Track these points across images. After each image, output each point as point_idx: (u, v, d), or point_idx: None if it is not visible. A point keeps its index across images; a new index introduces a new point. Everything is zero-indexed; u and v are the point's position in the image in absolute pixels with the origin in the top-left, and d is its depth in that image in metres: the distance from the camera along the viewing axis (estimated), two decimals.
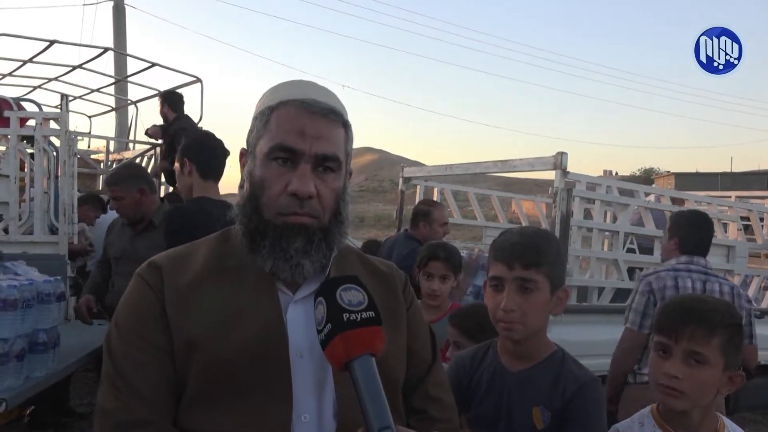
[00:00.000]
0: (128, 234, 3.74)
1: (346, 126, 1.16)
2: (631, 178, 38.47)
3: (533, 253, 1.48)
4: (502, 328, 1.51)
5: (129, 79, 8.76)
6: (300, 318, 1.10)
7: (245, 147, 1.19)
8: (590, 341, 3.74)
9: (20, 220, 4.82)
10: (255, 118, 1.16)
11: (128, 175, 3.74)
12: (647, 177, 44.43)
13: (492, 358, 1.59)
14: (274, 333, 1.08)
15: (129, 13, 13.56)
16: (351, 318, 0.94)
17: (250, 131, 1.17)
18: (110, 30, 12.82)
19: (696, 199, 5.27)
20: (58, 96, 7.02)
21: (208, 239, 1.23)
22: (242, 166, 1.19)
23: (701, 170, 39.29)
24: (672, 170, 40.90)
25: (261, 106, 1.16)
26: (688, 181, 31.34)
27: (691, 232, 3.09)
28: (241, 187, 1.17)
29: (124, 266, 3.64)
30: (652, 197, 5.69)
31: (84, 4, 14.83)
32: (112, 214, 4.53)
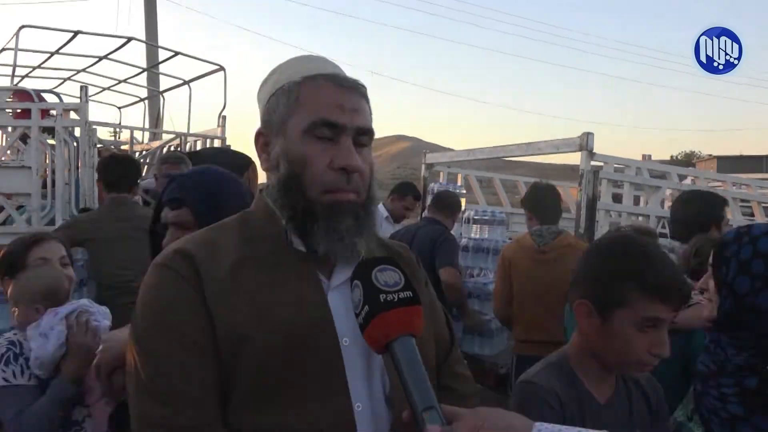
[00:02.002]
0: None
1: (367, 100, 1.15)
2: (671, 163, 37.42)
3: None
4: (640, 369, 1.37)
5: (153, 68, 8.82)
6: (339, 304, 1.07)
7: (261, 128, 1.14)
8: None
9: (42, 210, 4.86)
10: (275, 95, 1.11)
11: (183, 157, 3.81)
12: (687, 161, 43.19)
13: (578, 386, 1.39)
14: (322, 320, 1.05)
15: (161, 4, 13.71)
16: (388, 299, 0.93)
17: (271, 110, 1.12)
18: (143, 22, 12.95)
19: (734, 181, 5.01)
20: (86, 88, 7.10)
21: (226, 224, 1.16)
22: (262, 147, 1.14)
23: (745, 153, 37.96)
24: (714, 153, 39.63)
25: (278, 84, 1.12)
26: (731, 164, 30.21)
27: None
28: (273, 168, 1.11)
29: None
30: (689, 180, 5.44)
31: None
32: None
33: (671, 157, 51.72)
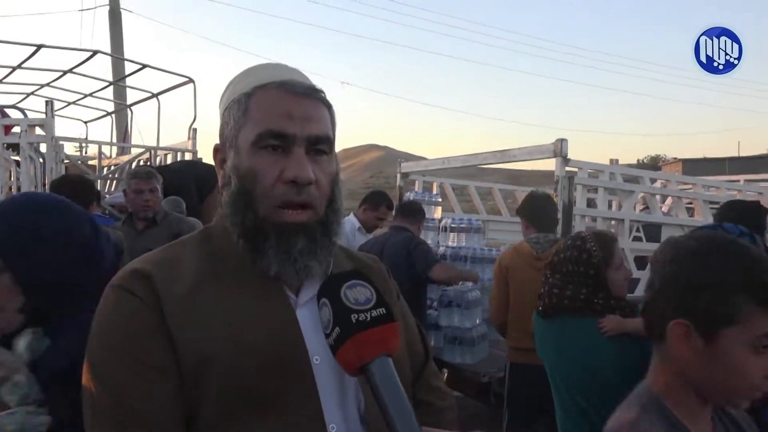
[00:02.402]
0: (131, 233, 3.82)
1: (328, 106, 1.07)
2: (638, 166, 38.12)
3: None
4: (749, 397, 1.13)
5: (120, 82, 8.67)
6: (308, 321, 1.00)
7: (218, 143, 1.08)
8: None
9: None
10: (228, 108, 1.05)
11: (153, 172, 3.94)
12: (654, 165, 44.09)
13: (681, 428, 1.17)
14: (291, 338, 0.98)
15: (126, 17, 13.54)
16: (360, 318, 0.86)
17: (225, 124, 1.06)
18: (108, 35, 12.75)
19: (704, 183, 5.10)
20: (52, 102, 6.95)
21: (187, 241, 1.09)
22: (219, 163, 1.08)
23: (709, 156, 38.94)
24: (679, 157, 40.56)
25: (232, 95, 1.06)
26: (695, 167, 31.01)
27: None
28: (225, 185, 1.05)
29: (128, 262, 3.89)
30: (658, 183, 5.53)
31: (80, 10, 14.85)
32: None
33: (637, 160, 52.74)
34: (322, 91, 1.07)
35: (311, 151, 1.02)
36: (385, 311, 0.88)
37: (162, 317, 0.95)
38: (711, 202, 5.04)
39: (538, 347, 2.65)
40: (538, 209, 3.53)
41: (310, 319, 1.00)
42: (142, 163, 7.76)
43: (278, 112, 1.00)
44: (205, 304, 0.97)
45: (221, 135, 1.08)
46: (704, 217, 4.75)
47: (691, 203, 5.13)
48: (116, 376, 0.93)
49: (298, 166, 0.98)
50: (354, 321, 0.86)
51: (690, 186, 5.11)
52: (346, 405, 1.00)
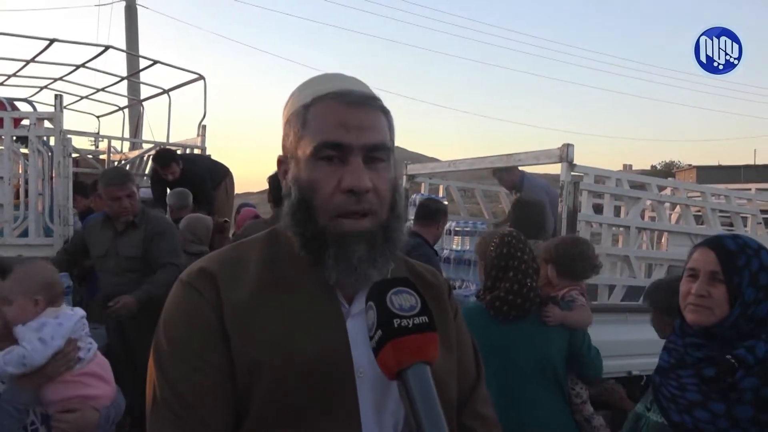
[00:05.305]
0: (109, 233, 3.86)
1: (385, 112, 1.10)
2: (651, 173, 37.86)
3: None
4: None
5: (132, 77, 8.71)
6: (357, 332, 1.03)
7: (281, 155, 1.13)
8: (601, 341, 3.54)
9: (15, 221, 4.75)
10: (288, 122, 1.10)
11: (128, 174, 4.01)
12: (668, 171, 43.71)
13: None
14: (338, 349, 1.02)
15: (142, 13, 13.60)
16: (402, 324, 0.89)
17: (286, 136, 1.11)
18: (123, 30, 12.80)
19: (713, 192, 5.04)
20: (61, 96, 7.00)
21: (255, 241, 1.14)
22: (282, 174, 1.13)
23: (723, 163, 38.55)
24: (694, 164, 40.16)
25: (293, 107, 1.10)
26: (709, 174, 30.67)
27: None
28: (286, 195, 1.10)
29: (108, 263, 3.85)
30: (668, 190, 5.47)
31: (97, 5, 14.92)
32: None
33: (651, 166, 52.35)
34: (378, 99, 1.09)
35: (368, 160, 1.03)
36: (427, 320, 0.91)
37: (222, 319, 1.00)
38: (720, 211, 4.98)
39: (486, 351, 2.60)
40: (524, 216, 3.65)
41: (360, 330, 1.01)
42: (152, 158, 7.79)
43: (334, 123, 1.03)
44: (260, 312, 1.01)
45: (283, 147, 1.12)
46: (713, 226, 4.69)
47: (699, 211, 5.07)
48: (175, 369, 0.99)
49: (354, 175, 1.00)
50: (396, 326, 0.88)
51: (699, 194, 5.05)
52: (383, 421, 1.03)
